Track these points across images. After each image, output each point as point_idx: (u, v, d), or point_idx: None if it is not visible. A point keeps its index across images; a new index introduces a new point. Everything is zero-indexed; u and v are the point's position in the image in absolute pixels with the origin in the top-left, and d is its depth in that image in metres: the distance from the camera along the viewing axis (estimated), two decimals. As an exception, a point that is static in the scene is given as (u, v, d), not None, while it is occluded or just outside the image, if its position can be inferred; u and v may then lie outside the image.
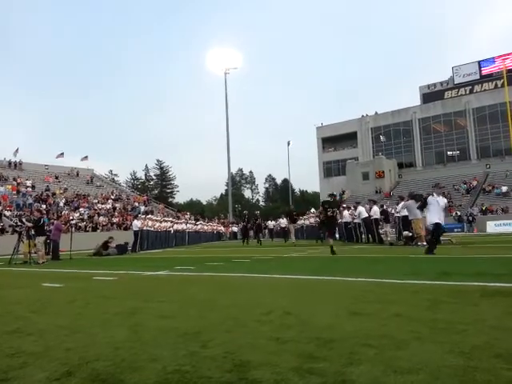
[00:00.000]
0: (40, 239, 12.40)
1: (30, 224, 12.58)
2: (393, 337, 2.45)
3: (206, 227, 33.43)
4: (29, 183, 36.47)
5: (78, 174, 44.98)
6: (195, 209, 67.65)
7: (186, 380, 1.89)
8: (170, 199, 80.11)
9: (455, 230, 30.66)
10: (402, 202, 14.15)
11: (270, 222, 36.06)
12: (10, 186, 34.14)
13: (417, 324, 2.74)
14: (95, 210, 34.25)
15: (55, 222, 18.21)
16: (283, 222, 27.19)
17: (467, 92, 52.59)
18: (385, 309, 3.30)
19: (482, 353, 2.09)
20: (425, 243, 12.53)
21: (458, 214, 34.56)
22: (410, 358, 2.06)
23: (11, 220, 25.83)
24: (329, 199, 12.45)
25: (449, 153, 51.50)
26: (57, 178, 41.64)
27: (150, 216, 23.41)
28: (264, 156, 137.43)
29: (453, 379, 1.76)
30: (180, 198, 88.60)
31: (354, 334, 2.55)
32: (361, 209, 17.11)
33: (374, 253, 10.68)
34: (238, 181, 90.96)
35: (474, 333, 2.48)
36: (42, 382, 1.96)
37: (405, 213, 13.63)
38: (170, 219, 26.46)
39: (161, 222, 22.68)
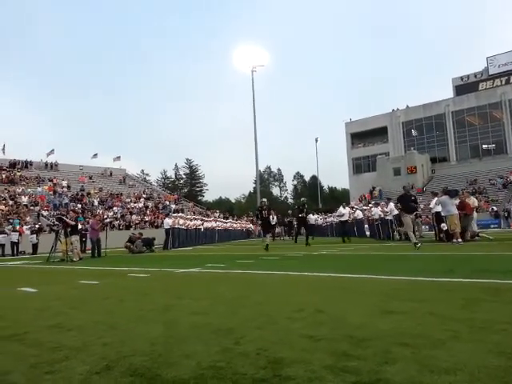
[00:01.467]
0: (74, 237, 12.84)
1: (72, 222, 13.03)
2: (428, 336, 2.40)
3: (235, 225, 33.67)
4: (64, 183, 37.75)
5: (111, 174, 46.20)
6: (224, 207, 68.16)
7: (220, 376, 1.92)
8: (200, 197, 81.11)
9: (491, 226, 29.64)
10: (436, 198, 13.78)
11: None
12: (46, 187, 35.45)
13: (453, 323, 2.67)
14: (128, 208, 35.10)
15: (91, 221, 18.81)
16: (313, 217, 27.40)
17: (503, 83, 50.56)
18: (418, 307, 3.23)
19: (523, 353, 2.02)
20: (460, 240, 12.19)
21: (495, 209, 33.32)
22: (447, 357, 2.01)
23: (49, 219, 26.82)
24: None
25: (484, 146, 49.66)
26: (91, 178, 42.90)
27: (180, 214, 23.81)
28: (292, 153, 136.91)
29: (493, 380, 1.71)
30: (209, 196, 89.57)
31: (387, 333, 2.51)
32: (392, 205, 16.79)
33: (406, 250, 10.46)
34: (266, 178, 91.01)
35: (514, 332, 2.40)
36: (83, 374, 2.04)
37: (438, 209, 13.28)
38: (200, 217, 26.83)
39: (191, 220, 23.01)
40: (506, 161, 46.30)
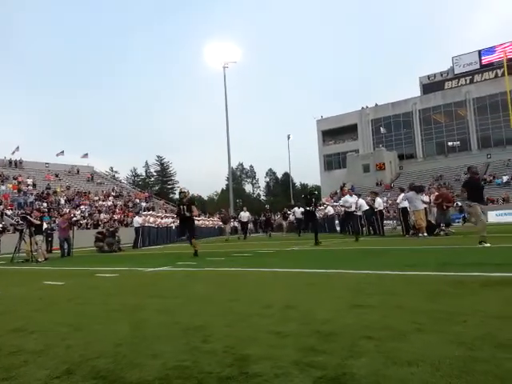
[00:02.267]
0: (39, 237, 12.45)
1: (37, 221, 12.62)
2: (393, 328, 2.45)
3: (207, 222, 33.47)
4: (29, 182, 36.51)
5: (78, 172, 45.01)
6: (197, 204, 67.63)
7: (186, 376, 1.89)
8: (171, 195, 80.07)
9: (456, 220, 30.63)
10: (403, 194, 14.14)
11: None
12: (10, 185, 34.18)
13: (418, 315, 2.73)
14: (96, 207, 34.30)
15: (57, 220, 18.29)
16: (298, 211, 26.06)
17: (467, 82, 52.39)
18: (386, 300, 3.29)
19: (482, 343, 2.09)
20: (426, 234, 12.55)
21: (459, 204, 34.49)
22: (411, 349, 2.05)
23: (13, 219, 25.89)
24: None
25: (449, 143, 51.35)
26: (57, 176, 41.67)
27: (151, 212, 23.46)
28: (264, 150, 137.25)
29: (453, 370, 1.76)
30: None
31: (354, 327, 2.55)
32: (361, 201, 17.08)
33: (375, 245, 10.67)
34: (238, 175, 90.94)
35: (474, 323, 2.47)
36: (42, 380, 1.96)
37: (405, 204, 13.63)
38: (172, 215, 26.51)
39: (162, 218, 22.71)
40: (470, 157, 47.99)
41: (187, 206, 10.08)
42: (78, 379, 1.94)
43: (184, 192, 10.65)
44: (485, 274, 4.34)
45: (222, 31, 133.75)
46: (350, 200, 14.86)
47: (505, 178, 39.55)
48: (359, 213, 17.25)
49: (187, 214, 9.98)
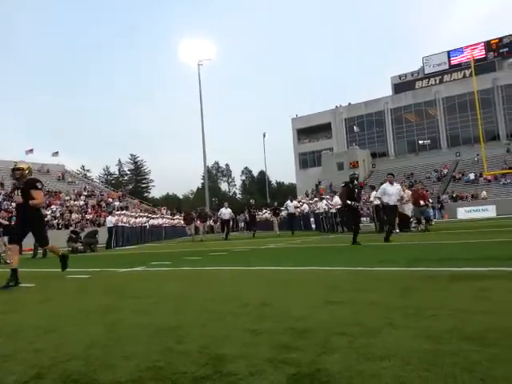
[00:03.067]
0: (7, 238, 12.08)
1: (5, 222, 12.24)
2: (365, 324, 2.49)
3: (182, 222, 33.19)
4: (-3, 181, 35.30)
5: (48, 171, 43.84)
6: (172, 203, 67.02)
7: (159, 377, 1.87)
8: (146, 194, 79.16)
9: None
10: (374, 192, 14.41)
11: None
12: (-24, 185, 32.94)
13: (389, 311, 2.79)
14: (67, 207, 33.50)
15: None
16: (291, 205, 22.79)
17: (437, 82, 53.77)
18: (358, 297, 3.35)
19: (450, 336, 2.15)
20: (398, 230, 12.83)
21: (430, 201, 35.44)
22: (382, 344, 2.10)
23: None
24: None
25: (420, 142, 52.63)
26: (26, 174, 40.39)
27: (124, 212, 23.07)
28: (240, 149, 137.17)
29: (423, 363, 1.80)
30: (156, 192, 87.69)
31: (328, 324, 2.58)
32: (337, 199, 17.31)
33: (348, 242, 10.83)
34: (214, 174, 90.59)
35: (443, 317, 2.55)
36: (10, 385, 1.90)
37: (378, 202, 13.88)
38: (146, 214, 26.16)
39: (136, 218, 22.38)
40: (440, 155, 49.40)
41: (23, 189, 6.12)
42: (47, 383, 1.89)
43: (20, 169, 6.36)
44: (454, 269, 4.47)
45: (197, 28, 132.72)
46: (391, 190, 11.01)
47: (471, 176, 40.83)
48: (333, 210, 17.53)
49: (20, 201, 6.08)
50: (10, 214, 13.83)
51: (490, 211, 30.58)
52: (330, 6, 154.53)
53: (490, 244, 7.71)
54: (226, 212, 21.14)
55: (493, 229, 12.33)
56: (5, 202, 29.81)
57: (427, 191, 18.67)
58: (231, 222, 25.32)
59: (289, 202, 21.71)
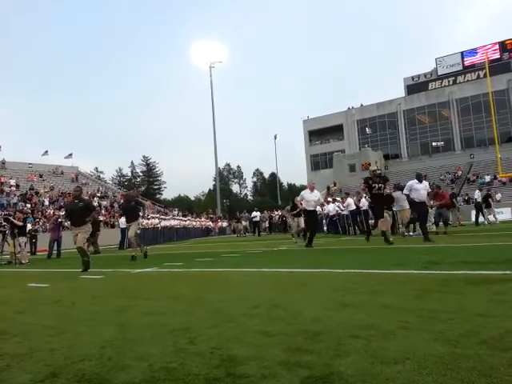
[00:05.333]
0: (22, 239, 12.25)
1: (19, 223, 12.39)
2: (380, 327, 2.46)
3: (194, 223, 33.33)
4: (12, 182, 35.84)
5: (62, 173, 44.36)
6: (183, 205, 67.33)
7: (172, 377, 1.87)
8: (158, 195, 79.63)
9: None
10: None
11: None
12: (-7, 186, 33.50)
13: (404, 314, 2.75)
14: (81, 208, 33.79)
15: (42, 221, 17.97)
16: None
17: (450, 83, 53.13)
18: (372, 300, 3.31)
19: (466, 340, 2.11)
20: (411, 233, 12.69)
21: (459, 201, 34.96)
22: (397, 347, 2.07)
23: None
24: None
25: (433, 144, 52.08)
26: (41, 176, 41.01)
27: (137, 213, 23.19)
28: (251, 150, 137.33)
29: (439, 367, 1.77)
30: (168, 194, 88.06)
31: (341, 326, 2.55)
32: (350, 200, 17.18)
33: (361, 244, 10.74)
34: (225, 176, 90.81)
35: (459, 321, 2.50)
36: (25, 384, 1.92)
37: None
38: (158, 216, 26.32)
39: (148, 219, 22.51)
40: (453, 157, 48.77)
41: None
42: (62, 383, 1.90)
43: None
44: (470, 272, 4.40)
45: (209, 31, 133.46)
46: (419, 186, 10.57)
47: (487, 178, 40.23)
48: (346, 212, 17.40)
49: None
50: (24, 215, 13.97)
51: (504, 214, 30.02)
52: (343, 7, 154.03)
53: (505, 247, 7.57)
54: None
55: (508, 232, 12.12)
56: (20, 203, 30.23)
57: (446, 191, 18.38)
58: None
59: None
